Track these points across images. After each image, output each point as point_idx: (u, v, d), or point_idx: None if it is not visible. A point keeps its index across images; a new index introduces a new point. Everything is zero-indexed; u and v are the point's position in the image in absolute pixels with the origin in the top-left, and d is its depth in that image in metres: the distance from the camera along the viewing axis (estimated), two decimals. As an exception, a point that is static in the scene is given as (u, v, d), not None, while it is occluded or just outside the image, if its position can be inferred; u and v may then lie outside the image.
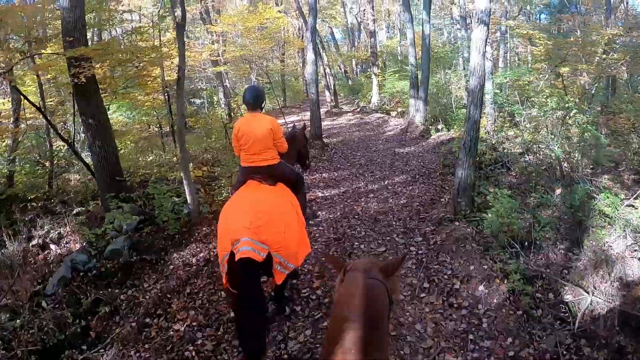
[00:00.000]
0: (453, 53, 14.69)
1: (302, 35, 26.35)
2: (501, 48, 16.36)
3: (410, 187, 7.72)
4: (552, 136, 6.48)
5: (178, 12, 6.36)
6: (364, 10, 21.03)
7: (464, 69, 14.69)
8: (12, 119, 9.93)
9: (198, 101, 20.46)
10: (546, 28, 15.93)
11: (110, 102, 14.46)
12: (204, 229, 6.46)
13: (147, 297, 5.21)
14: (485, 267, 4.66)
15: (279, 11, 15.75)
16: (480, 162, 8.28)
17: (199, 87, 19.20)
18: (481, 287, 4.37)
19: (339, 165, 9.62)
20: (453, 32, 21.65)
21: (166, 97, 12.99)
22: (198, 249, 5.99)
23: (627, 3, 21.77)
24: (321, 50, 21.12)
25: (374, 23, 19.76)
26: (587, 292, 4.27)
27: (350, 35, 30.59)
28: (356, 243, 5.44)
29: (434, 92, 14.05)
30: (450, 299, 4.31)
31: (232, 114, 16.72)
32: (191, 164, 9.08)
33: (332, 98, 20.76)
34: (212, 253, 5.79)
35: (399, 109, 18.00)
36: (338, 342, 1.30)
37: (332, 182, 8.37)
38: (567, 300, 4.34)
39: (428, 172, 8.67)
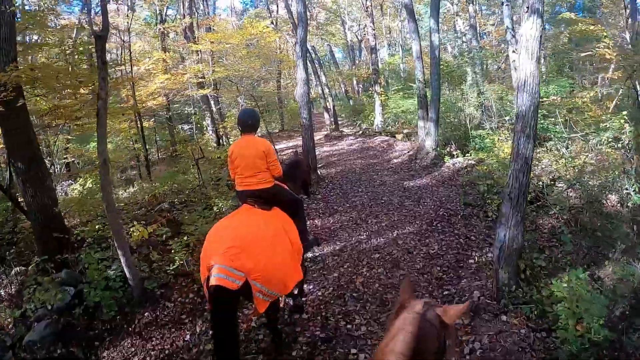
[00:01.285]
0: (464, 64, 12.95)
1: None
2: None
3: (427, 241, 5.94)
4: (624, 174, 4.71)
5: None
6: (365, 25, 19.59)
7: (478, 84, 13.07)
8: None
9: (187, 127, 19.06)
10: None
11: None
12: (146, 314, 4.73)
13: None
14: (560, 405, 2.88)
15: (268, 25, 14.10)
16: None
17: (186, 111, 17.72)
18: None
19: (335, 207, 7.86)
20: (458, 46, 20.05)
21: (139, 125, 11.47)
22: (133, 350, 4.26)
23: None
24: (318, 69, 19.61)
25: (374, 38, 18.21)
26: None
27: (350, 53, 29.20)
28: (354, 350, 3.65)
29: (441, 110, 12.37)
30: None
31: (220, 141, 15.18)
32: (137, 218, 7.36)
33: (332, 120, 19.09)
34: (149, 356, 4.06)
35: (405, 131, 16.34)
36: None
37: (326, 232, 6.62)
38: None
39: (447, 215, 6.91)
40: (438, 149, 11.03)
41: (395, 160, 11.59)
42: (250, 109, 4.32)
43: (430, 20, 10.70)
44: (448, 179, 9.19)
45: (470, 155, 10.55)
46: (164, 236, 5.65)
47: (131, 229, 5.69)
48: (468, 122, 11.16)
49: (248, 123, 3.68)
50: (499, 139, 7.60)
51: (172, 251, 5.24)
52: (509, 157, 6.99)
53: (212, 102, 14.61)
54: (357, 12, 27.02)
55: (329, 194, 8.81)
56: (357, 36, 29.11)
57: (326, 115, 19.50)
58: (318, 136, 18.59)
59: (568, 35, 12.42)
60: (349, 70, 27.50)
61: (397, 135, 15.57)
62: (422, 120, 11.72)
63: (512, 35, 7.90)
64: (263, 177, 3.61)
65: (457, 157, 10.65)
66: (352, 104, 24.72)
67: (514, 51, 7.92)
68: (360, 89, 28.36)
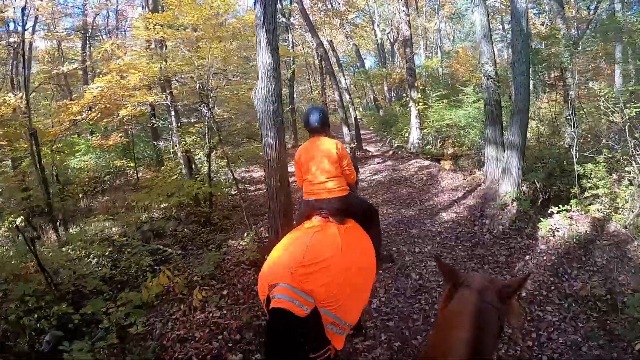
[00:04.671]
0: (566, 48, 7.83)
1: (320, 57, 20.22)
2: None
3: None
4: None
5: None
6: (399, 24, 14.98)
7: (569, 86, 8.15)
8: None
9: (162, 144, 14.90)
10: None
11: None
12: None
13: None
14: None
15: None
16: None
17: (153, 122, 13.57)
18: None
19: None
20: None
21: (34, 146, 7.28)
22: None
23: None
24: (337, 71, 15.07)
25: (408, 26, 13.35)
26: None
27: (381, 55, 24.59)
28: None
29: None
30: None
31: (192, 166, 10.78)
32: None
33: (353, 136, 14.33)
34: None
35: (450, 150, 11.48)
36: None
37: None
38: None
39: None
40: (522, 200, 6.18)
41: (444, 215, 6.73)
42: (316, 106, 3.87)
43: (512, -32, 5.92)
44: (557, 276, 4.39)
45: (572, 207, 5.73)
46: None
47: None
48: (575, 150, 6.27)
49: (316, 121, 3.07)
50: None
51: None
52: None
53: (172, 113, 10.26)
54: (389, 12, 22.62)
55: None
56: (389, 38, 24.54)
57: (345, 130, 14.68)
58: (333, 157, 14.05)
59: None
60: (377, 71, 22.81)
61: (442, 161, 10.74)
62: (492, 146, 6.89)
63: None
64: (337, 183, 2.95)
65: (556, 214, 5.80)
66: (381, 115, 19.94)
67: None
68: (393, 97, 23.58)
